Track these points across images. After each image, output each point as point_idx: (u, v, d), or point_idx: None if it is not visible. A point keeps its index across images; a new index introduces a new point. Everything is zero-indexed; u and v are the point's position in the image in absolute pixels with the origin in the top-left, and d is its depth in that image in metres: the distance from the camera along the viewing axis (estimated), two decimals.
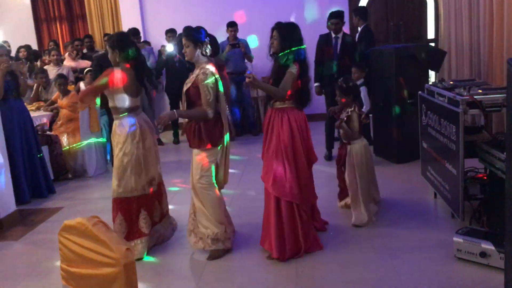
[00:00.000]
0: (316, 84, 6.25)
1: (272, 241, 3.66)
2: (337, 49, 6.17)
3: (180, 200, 4.96)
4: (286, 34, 3.70)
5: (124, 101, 3.85)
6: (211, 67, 3.73)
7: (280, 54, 3.73)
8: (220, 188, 3.88)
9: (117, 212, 3.88)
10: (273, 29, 3.79)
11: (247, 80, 3.59)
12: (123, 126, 3.86)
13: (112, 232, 2.11)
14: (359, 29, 6.68)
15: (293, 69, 3.68)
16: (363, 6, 7.23)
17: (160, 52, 8.05)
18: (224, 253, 3.80)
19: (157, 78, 8.33)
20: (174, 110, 3.73)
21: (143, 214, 3.92)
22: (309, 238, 3.75)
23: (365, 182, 4.21)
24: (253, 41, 7.89)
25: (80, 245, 2.13)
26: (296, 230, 3.69)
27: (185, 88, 3.76)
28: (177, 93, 7.60)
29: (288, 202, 3.66)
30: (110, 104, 3.93)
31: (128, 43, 3.93)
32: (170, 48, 7.59)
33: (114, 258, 1.99)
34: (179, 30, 7.90)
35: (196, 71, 3.74)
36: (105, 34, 8.89)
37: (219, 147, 3.79)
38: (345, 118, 4.23)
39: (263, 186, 3.81)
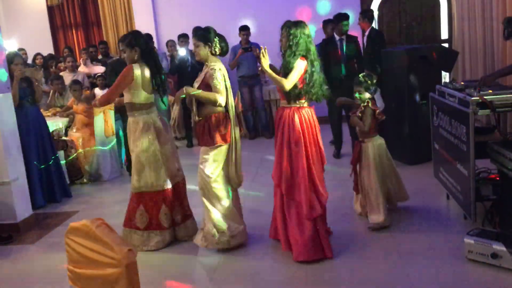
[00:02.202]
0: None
1: (280, 235, 3.77)
2: (343, 51, 6.24)
3: (194, 203, 5.00)
4: (294, 32, 3.73)
5: (140, 96, 3.97)
6: (219, 64, 3.84)
7: (287, 54, 3.75)
8: (235, 187, 3.99)
9: (139, 204, 4.02)
10: (282, 28, 3.86)
11: (258, 65, 3.65)
12: (137, 122, 3.97)
13: (114, 234, 2.16)
14: (366, 32, 6.69)
15: (301, 63, 3.69)
16: (370, 9, 7.32)
17: (173, 57, 8.11)
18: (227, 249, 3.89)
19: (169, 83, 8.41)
20: (185, 87, 3.82)
21: (164, 209, 4.06)
22: (315, 243, 3.65)
23: (381, 183, 4.11)
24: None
25: (85, 247, 2.18)
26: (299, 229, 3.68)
27: (196, 86, 3.87)
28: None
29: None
30: (126, 100, 4.03)
31: (145, 41, 4.06)
32: (182, 52, 7.65)
33: (116, 259, 2.04)
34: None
35: (205, 69, 3.86)
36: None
37: (226, 146, 3.84)
38: (359, 113, 4.15)
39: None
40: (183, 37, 7.89)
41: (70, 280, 2.25)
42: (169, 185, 4.09)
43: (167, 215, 4.07)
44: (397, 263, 3.49)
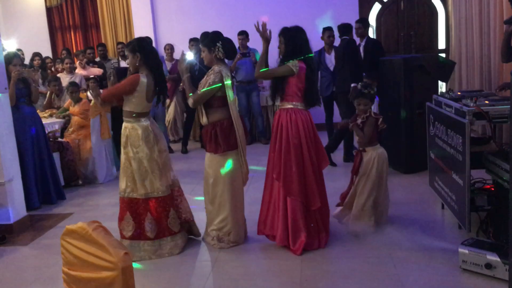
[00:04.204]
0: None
1: (280, 232, 3.88)
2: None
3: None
4: (291, 37, 3.87)
5: (141, 105, 3.98)
6: (224, 69, 3.92)
7: (285, 60, 3.88)
8: (243, 184, 4.15)
9: (146, 213, 3.98)
10: (279, 35, 3.95)
11: None
12: (136, 129, 3.97)
13: (111, 237, 2.15)
14: (362, 41, 6.71)
15: (294, 66, 3.79)
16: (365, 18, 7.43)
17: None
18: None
19: (177, 86, 8.41)
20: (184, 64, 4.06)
21: (172, 213, 4.06)
22: (309, 234, 3.87)
23: (372, 193, 4.08)
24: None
25: (81, 249, 2.18)
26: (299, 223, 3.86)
27: (199, 89, 3.95)
28: None
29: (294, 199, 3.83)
30: (126, 108, 4.01)
31: (149, 48, 4.07)
32: (190, 56, 7.62)
33: (112, 262, 2.03)
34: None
35: (209, 73, 3.95)
36: (118, 43, 9.02)
37: (232, 152, 3.98)
38: (360, 124, 4.11)
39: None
40: (193, 41, 7.79)
41: (64, 282, 2.25)
42: (169, 191, 4.12)
43: (175, 218, 4.09)
44: (392, 271, 3.49)
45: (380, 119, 4.07)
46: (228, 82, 3.92)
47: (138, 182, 3.97)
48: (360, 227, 4.06)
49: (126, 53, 4.03)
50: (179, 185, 4.28)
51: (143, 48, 3.97)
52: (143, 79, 3.92)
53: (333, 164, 6.37)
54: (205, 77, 3.95)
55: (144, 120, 4.01)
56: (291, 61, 3.83)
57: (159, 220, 4.01)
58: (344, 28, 6.51)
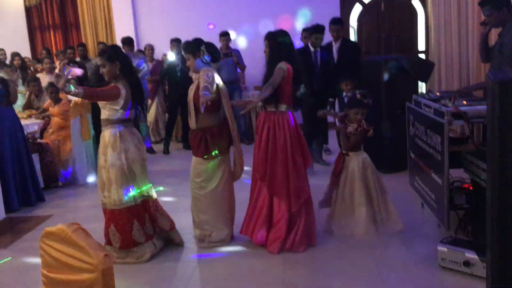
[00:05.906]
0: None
1: (261, 231, 3.90)
2: (317, 62, 6.23)
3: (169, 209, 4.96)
4: (276, 41, 3.90)
5: (117, 113, 3.84)
6: (212, 71, 3.92)
7: (270, 63, 3.89)
8: (234, 180, 4.14)
9: (109, 223, 3.88)
10: (264, 39, 4.00)
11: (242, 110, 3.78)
12: (105, 136, 3.84)
13: (91, 239, 2.14)
14: (337, 42, 6.42)
15: (283, 65, 3.81)
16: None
17: (162, 61, 8.09)
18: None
19: (158, 87, 8.39)
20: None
21: (136, 225, 3.89)
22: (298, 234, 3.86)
23: (365, 197, 4.05)
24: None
25: (60, 251, 2.16)
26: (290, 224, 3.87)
27: (191, 94, 3.92)
28: (177, 102, 7.70)
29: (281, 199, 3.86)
30: (103, 116, 3.88)
31: (125, 55, 3.98)
32: (171, 56, 7.59)
33: (92, 264, 2.02)
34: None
35: (198, 78, 3.90)
36: (99, 43, 8.95)
37: (222, 157, 3.97)
38: (350, 133, 4.12)
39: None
40: (175, 41, 7.74)
41: (44, 285, 2.22)
42: (138, 201, 3.92)
43: (139, 230, 3.91)
44: (373, 269, 3.53)
45: (371, 131, 4.08)
46: (219, 83, 3.93)
47: (105, 190, 3.84)
48: (366, 238, 3.99)
49: (101, 62, 3.80)
50: (155, 202, 4.09)
51: (121, 55, 3.87)
52: (123, 91, 3.78)
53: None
54: (196, 82, 3.91)
55: (116, 127, 3.81)
56: (281, 63, 3.82)
57: (122, 232, 3.86)
58: (315, 30, 6.24)
